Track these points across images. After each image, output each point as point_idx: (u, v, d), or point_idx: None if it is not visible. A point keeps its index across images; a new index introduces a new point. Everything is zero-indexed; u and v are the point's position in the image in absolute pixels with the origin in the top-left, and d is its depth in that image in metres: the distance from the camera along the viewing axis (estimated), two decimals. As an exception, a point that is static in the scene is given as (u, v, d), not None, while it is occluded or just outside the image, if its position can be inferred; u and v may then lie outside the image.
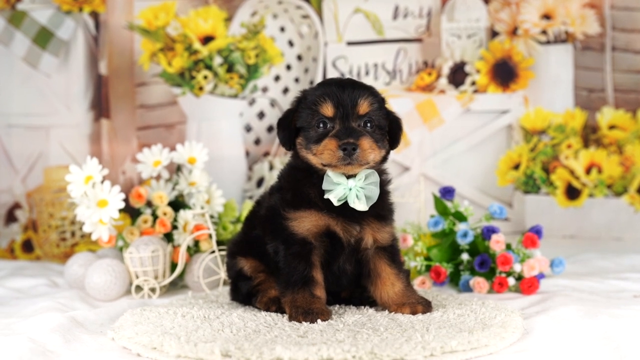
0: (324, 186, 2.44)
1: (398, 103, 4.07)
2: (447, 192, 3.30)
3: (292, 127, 2.51)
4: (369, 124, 2.45)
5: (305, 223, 2.48)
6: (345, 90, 2.44)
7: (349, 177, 2.44)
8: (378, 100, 2.50)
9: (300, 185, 2.52)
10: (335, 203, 2.43)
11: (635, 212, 4.07)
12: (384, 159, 2.56)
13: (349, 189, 2.43)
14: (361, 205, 2.43)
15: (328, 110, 2.42)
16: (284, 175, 2.63)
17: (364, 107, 2.43)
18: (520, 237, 3.22)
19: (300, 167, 2.54)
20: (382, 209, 2.55)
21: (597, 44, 4.12)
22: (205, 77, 4.18)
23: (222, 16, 4.20)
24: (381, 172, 2.56)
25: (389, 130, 2.55)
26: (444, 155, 4.16)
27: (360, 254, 2.58)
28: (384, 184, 2.57)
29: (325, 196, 2.43)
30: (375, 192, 2.45)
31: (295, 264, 2.48)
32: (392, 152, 2.61)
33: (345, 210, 2.46)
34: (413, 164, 4.15)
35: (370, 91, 2.49)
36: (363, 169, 2.44)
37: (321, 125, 2.43)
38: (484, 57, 4.13)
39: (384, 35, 4.20)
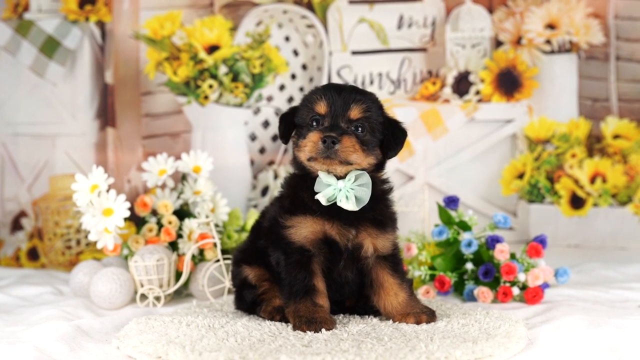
0: (316, 188, 2.47)
1: (402, 112, 4.07)
2: (452, 202, 3.30)
3: (292, 121, 2.59)
4: (360, 129, 2.48)
5: (301, 230, 2.50)
6: (342, 93, 2.50)
7: (339, 178, 2.46)
8: (373, 107, 2.52)
9: (297, 190, 2.56)
10: (324, 202, 2.45)
11: (639, 221, 4.07)
12: (378, 166, 2.57)
13: (338, 189, 2.45)
14: (350, 206, 2.45)
15: (321, 107, 2.48)
16: (285, 184, 2.68)
17: (355, 112, 2.47)
18: (525, 247, 3.21)
19: (298, 173, 2.60)
20: (380, 215, 2.56)
21: (601, 54, 4.12)
22: (211, 86, 4.20)
23: (228, 26, 4.23)
24: (382, 181, 2.59)
25: (391, 135, 2.56)
26: (448, 165, 4.16)
27: (360, 262, 2.58)
28: (385, 193, 2.59)
29: (315, 197, 2.46)
30: (366, 194, 2.46)
31: (296, 273, 2.50)
32: (395, 159, 2.63)
33: (340, 214, 2.48)
34: (417, 173, 4.15)
35: (367, 97, 2.52)
36: (347, 170, 2.46)
37: (314, 123, 2.49)
38: (488, 67, 4.15)
39: (388, 45, 4.21)
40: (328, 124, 2.46)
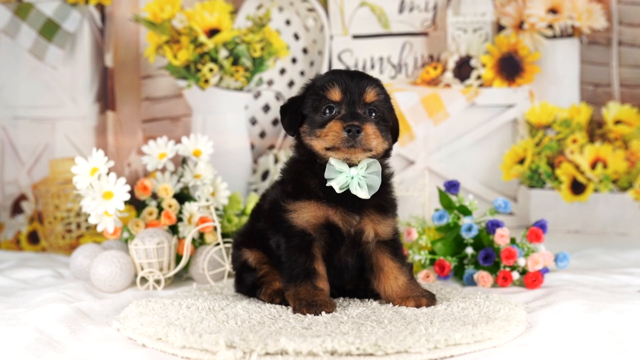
0: (327, 174, 2.45)
1: (403, 97, 4.06)
2: (452, 186, 3.30)
3: (298, 111, 2.53)
4: (373, 114, 2.48)
5: (304, 214, 2.49)
6: (353, 78, 2.48)
7: (351, 165, 2.45)
8: (384, 92, 2.54)
9: (302, 176, 2.54)
10: (337, 190, 2.44)
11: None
12: (387, 153, 2.58)
13: (350, 177, 2.44)
14: (363, 193, 2.44)
15: (335, 95, 2.45)
16: (286, 169, 2.66)
17: (370, 95, 2.47)
18: (525, 232, 3.21)
19: (302, 159, 2.57)
20: (383, 201, 2.56)
21: (604, 39, 4.10)
22: (211, 70, 4.18)
23: (228, 9, 4.20)
24: (383, 166, 2.57)
25: (395, 122, 2.58)
26: (449, 149, 4.15)
27: (361, 247, 2.58)
28: (386, 178, 2.58)
29: (328, 184, 2.45)
30: (377, 182, 2.46)
31: (297, 257, 2.49)
32: (396, 144, 2.63)
33: (344, 200, 2.48)
34: (418, 157, 4.15)
35: (377, 82, 2.53)
36: (365, 157, 2.45)
37: (327, 110, 2.46)
38: (490, 51, 4.13)
39: (389, 29, 4.19)
40: (346, 112, 2.43)
